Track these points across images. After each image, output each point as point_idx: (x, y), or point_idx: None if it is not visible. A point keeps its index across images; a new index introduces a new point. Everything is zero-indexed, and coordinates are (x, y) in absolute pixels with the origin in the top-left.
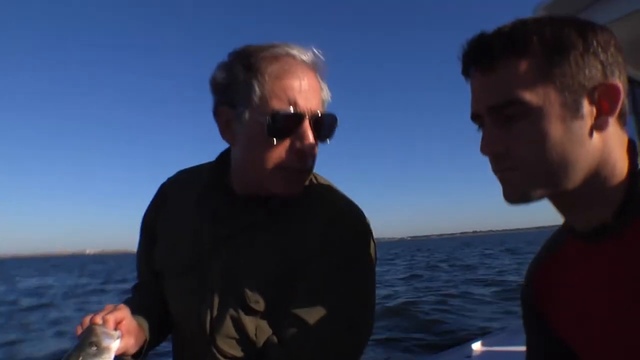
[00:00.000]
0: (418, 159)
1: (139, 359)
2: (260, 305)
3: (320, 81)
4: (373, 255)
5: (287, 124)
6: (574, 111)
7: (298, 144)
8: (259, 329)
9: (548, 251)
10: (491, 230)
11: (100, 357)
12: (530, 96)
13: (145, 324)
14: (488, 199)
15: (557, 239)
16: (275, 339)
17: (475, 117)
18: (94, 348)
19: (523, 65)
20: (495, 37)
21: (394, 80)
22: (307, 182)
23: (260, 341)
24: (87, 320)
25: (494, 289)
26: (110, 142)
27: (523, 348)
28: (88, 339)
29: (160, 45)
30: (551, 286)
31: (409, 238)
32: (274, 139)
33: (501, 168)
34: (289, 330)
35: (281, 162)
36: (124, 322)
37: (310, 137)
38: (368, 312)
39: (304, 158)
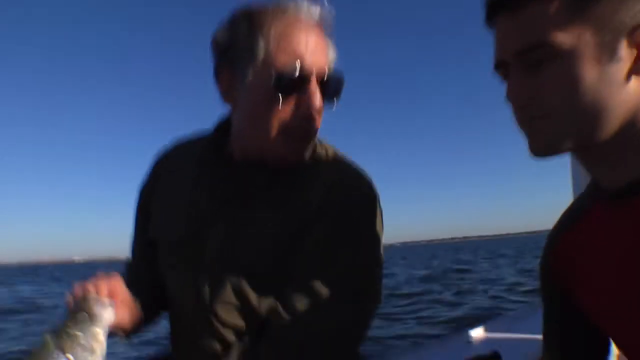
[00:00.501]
0: (407, 164)
1: (133, 335)
2: (261, 271)
3: (327, 39)
4: (380, 221)
5: (294, 82)
6: (611, 53)
7: (305, 104)
8: (260, 296)
9: (569, 218)
10: (481, 236)
11: (91, 325)
12: (562, 37)
13: (139, 301)
14: (477, 204)
15: (579, 204)
16: (278, 306)
17: (500, 65)
18: (84, 314)
19: (553, 5)
20: None
21: (370, 86)
22: (312, 151)
23: (263, 309)
24: (78, 289)
25: None
26: (95, 148)
27: (524, 335)
28: (79, 306)
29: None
30: (574, 255)
31: (398, 244)
32: (280, 98)
33: (529, 117)
34: (293, 298)
35: (286, 124)
36: (117, 292)
37: (318, 96)
38: (376, 278)
39: (310, 119)
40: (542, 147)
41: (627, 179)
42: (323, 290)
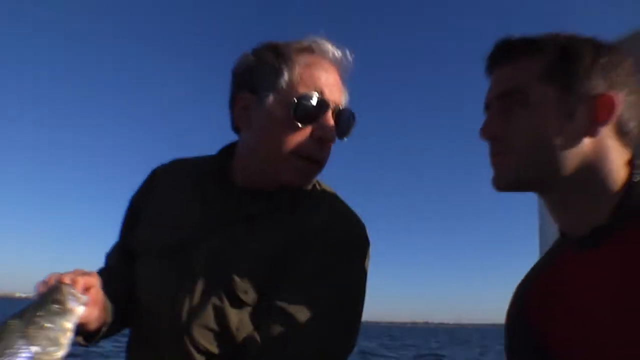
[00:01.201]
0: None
1: (92, 341)
2: (248, 296)
3: (344, 81)
4: (367, 261)
5: (314, 110)
6: (570, 112)
7: (320, 132)
8: (241, 323)
9: (540, 268)
10: (442, 323)
11: (62, 318)
12: (533, 89)
13: (108, 304)
14: (443, 291)
15: (549, 255)
16: (256, 334)
17: (487, 107)
18: (57, 306)
19: (534, 63)
20: (517, 38)
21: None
22: (310, 187)
23: (241, 337)
24: (52, 278)
25: None
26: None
27: None
28: (52, 296)
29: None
30: (546, 300)
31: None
32: (298, 123)
33: (496, 152)
34: (272, 326)
35: (300, 148)
36: (92, 290)
37: (332, 127)
38: (357, 313)
39: (322, 148)
40: (501, 180)
41: (588, 226)
42: (303, 319)
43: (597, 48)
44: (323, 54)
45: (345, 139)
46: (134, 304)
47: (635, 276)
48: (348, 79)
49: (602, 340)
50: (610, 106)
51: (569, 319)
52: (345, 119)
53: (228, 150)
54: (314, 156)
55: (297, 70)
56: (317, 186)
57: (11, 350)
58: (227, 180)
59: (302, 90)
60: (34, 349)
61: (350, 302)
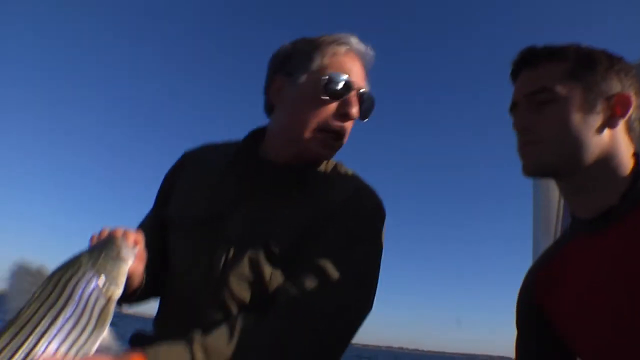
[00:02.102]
0: None
1: (129, 301)
2: (280, 254)
3: (366, 71)
4: (383, 235)
5: (341, 88)
6: (592, 108)
7: (344, 109)
8: (274, 276)
9: (551, 252)
10: (417, 349)
11: (120, 262)
12: (560, 88)
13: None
14: (420, 315)
15: (560, 240)
16: (286, 286)
17: (513, 106)
18: (115, 252)
19: (559, 67)
20: (542, 46)
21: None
22: (334, 166)
23: (273, 288)
24: (106, 231)
25: None
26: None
27: None
28: (110, 244)
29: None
30: (555, 283)
31: None
32: (327, 99)
33: (526, 141)
34: (301, 280)
35: (326, 122)
36: (139, 246)
37: (356, 105)
38: (375, 277)
39: (345, 122)
40: (531, 167)
41: (599, 210)
42: (329, 277)
43: (610, 56)
44: (350, 46)
45: (365, 120)
46: (164, 273)
47: (632, 254)
48: (369, 71)
49: (603, 315)
50: (627, 103)
51: (576, 296)
52: (367, 101)
53: (257, 134)
54: (337, 130)
55: (328, 57)
56: (341, 167)
57: (84, 279)
58: (259, 157)
59: (331, 71)
60: (100, 281)
61: (371, 267)
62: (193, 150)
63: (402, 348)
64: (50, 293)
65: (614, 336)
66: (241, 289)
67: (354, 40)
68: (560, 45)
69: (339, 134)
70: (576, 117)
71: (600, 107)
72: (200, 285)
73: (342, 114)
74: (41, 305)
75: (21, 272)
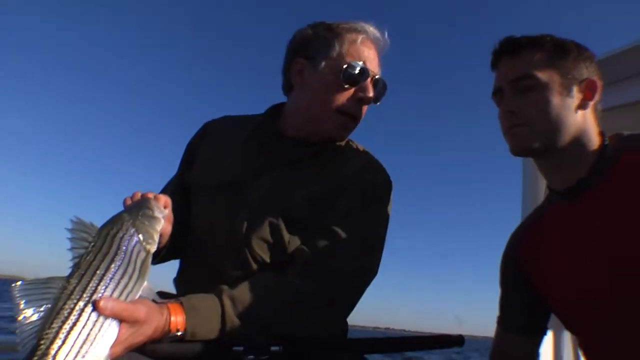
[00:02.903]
0: None
1: (154, 260)
2: (299, 218)
3: (380, 57)
4: (390, 206)
5: (357, 75)
6: (568, 91)
7: (361, 94)
8: (291, 239)
9: (531, 219)
10: (404, 329)
11: (154, 221)
12: (541, 74)
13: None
14: (409, 297)
15: (538, 209)
16: (304, 247)
17: (497, 91)
18: (149, 212)
19: (538, 55)
20: (521, 36)
21: None
22: (346, 142)
23: (291, 249)
24: (138, 193)
25: None
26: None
27: None
28: (145, 204)
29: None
30: (536, 244)
31: None
32: (345, 85)
33: (512, 124)
34: (318, 242)
35: (343, 106)
36: (168, 208)
37: (371, 91)
38: (381, 243)
39: (361, 106)
40: (518, 146)
41: (572, 181)
42: (342, 241)
43: (578, 46)
44: (367, 33)
45: (378, 103)
46: (184, 236)
47: (605, 216)
48: (384, 56)
49: (574, 269)
50: (594, 88)
51: (552, 254)
52: (380, 87)
53: (275, 109)
54: (353, 114)
55: (346, 44)
56: (353, 143)
57: (127, 234)
58: (278, 131)
59: (349, 59)
60: (140, 236)
61: (379, 231)
62: (214, 121)
63: (388, 329)
64: (102, 245)
65: (589, 291)
66: (262, 251)
67: (371, 29)
68: (536, 35)
69: (354, 117)
70: (556, 101)
71: (574, 91)
72: (223, 246)
73: (359, 99)
74: (97, 255)
75: (78, 225)
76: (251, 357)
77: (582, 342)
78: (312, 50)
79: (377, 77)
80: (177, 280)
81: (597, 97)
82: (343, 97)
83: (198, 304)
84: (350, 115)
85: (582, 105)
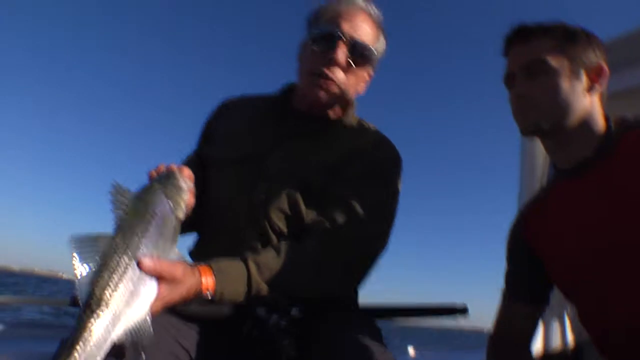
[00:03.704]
0: None
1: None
2: (314, 189)
3: (375, 28)
4: (400, 179)
5: (324, 36)
6: (577, 76)
7: (328, 55)
8: (309, 208)
9: (538, 195)
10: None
11: (181, 190)
12: (551, 59)
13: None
14: (399, 275)
15: (545, 187)
16: (320, 217)
17: (508, 77)
18: (176, 181)
19: (549, 41)
20: (532, 23)
21: None
22: (358, 120)
23: (308, 219)
24: (163, 166)
25: None
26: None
27: None
28: (171, 175)
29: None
30: (542, 221)
31: None
32: (314, 47)
33: (523, 106)
34: (333, 212)
35: (313, 66)
36: (191, 182)
37: (340, 52)
38: (393, 214)
39: (329, 67)
40: (529, 128)
41: (578, 160)
42: (357, 210)
43: (587, 33)
44: (348, 3)
45: (360, 68)
46: (202, 208)
47: (607, 192)
48: (380, 26)
49: (577, 243)
50: (602, 73)
51: (557, 231)
52: (357, 50)
53: (290, 87)
54: (324, 73)
55: (328, 12)
56: (364, 121)
57: (160, 201)
58: (291, 107)
59: (323, 22)
60: (170, 203)
61: (391, 203)
62: (231, 99)
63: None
64: (140, 208)
65: (591, 265)
66: (280, 221)
67: (348, 1)
68: (547, 22)
69: (323, 75)
70: (565, 85)
71: (582, 76)
72: (242, 217)
73: (327, 59)
74: (135, 217)
75: (117, 189)
76: (275, 316)
77: (580, 312)
78: (307, 26)
79: (353, 39)
80: (194, 252)
81: (604, 82)
82: (312, 60)
83: (225, 267)
84: (318, 74)
85: (589, 90)
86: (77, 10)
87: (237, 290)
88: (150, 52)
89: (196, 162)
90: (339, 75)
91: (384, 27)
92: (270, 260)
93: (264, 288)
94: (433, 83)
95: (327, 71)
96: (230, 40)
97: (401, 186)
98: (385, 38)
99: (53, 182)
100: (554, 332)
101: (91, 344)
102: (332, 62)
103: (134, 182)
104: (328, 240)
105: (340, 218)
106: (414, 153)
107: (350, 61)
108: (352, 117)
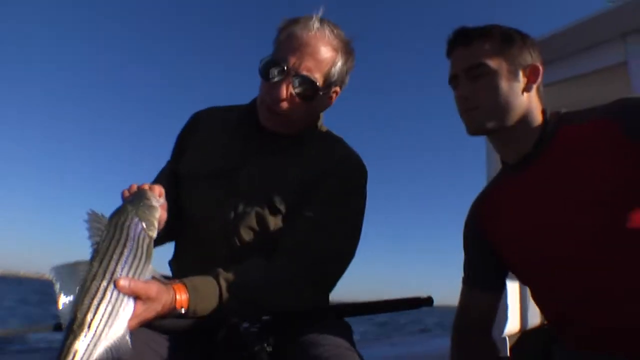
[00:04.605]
0: None
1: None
2: (282, 207)
3: (331, 51)
4: (365, 195)
5: (266, 69)
6: (515, 76)
7: (273, 90)
8: (277, 226)
9: (488, 189)
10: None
11: (153, 209)
12: (491, 62)
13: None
14: (377, 273)
15: (494, 181)
16: (288, 234)
17: (453, 78)
18: (148, 202)
19: (488, 44)
20: (471, 27)
21: None
22: (325, 132)
23: (277, 236)
24: (135, 186)
25: None
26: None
27: None
28: (143, 195)
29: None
30: (494, 212)
31: None
32: (262, 79)
33: (467, 108)
34: (301, 229)
35: (263, 99)
36: (162, 197)
37: (283, 89)
38: (359, 229)
39: (272, 100)
40: (473, 127)
41: (520, 155)
42: (324, 226)
43: (522, 34)
44: (293, 32)
45: (310, 100)
46: (179, 220)
47: (545, 183)
48: (328, 49)
49: (523, 231)
50: (537, 72)
51: (507, 220)
52: (301, 84)
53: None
54: (270, 107)
55: (279, 39)
56: (329, 133)
57: (133, 222)
58: (258, 122)
59: (274, 54)
60: (143, 224)
61: (357, 218)
62: (203, 111)
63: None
64: (114, 232)
65: (536, 249)
66: (249, 238)
67: (309, 22)
68: (485, 25)
69: (270, 109)
70: (505, 86)
71: (520, 76)
72: (215, 233)
73: (268, 93)
74: (111, 242)
75: (93, 217)
76: (246, 325)
77: (532, 292)
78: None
79: (296, 72)
80: (173, 262)
81: (539, 80)
82: (263, 90)
83: (199, 285)
84: (267, 109)
85: (527, 88)
86: (73, 11)
87: (209, 306)
88: (150, 52)
89: (170, 176)
90: (286, 108)
91: (347, 41)
92: (240, 277)
93: (234, 303)
94: (396, 68)
95: (273, 107)
96: (230, 40)
97: (366, 196)
98: (349, 53)
99: (37, 182)
100: (531, 310)
101: None
102: (277, 99)
103: (125, 185)
104: (298, 257)
105: (308, 235)
106: (377, 144)
107: (295, 95)
108: (319, 129)
